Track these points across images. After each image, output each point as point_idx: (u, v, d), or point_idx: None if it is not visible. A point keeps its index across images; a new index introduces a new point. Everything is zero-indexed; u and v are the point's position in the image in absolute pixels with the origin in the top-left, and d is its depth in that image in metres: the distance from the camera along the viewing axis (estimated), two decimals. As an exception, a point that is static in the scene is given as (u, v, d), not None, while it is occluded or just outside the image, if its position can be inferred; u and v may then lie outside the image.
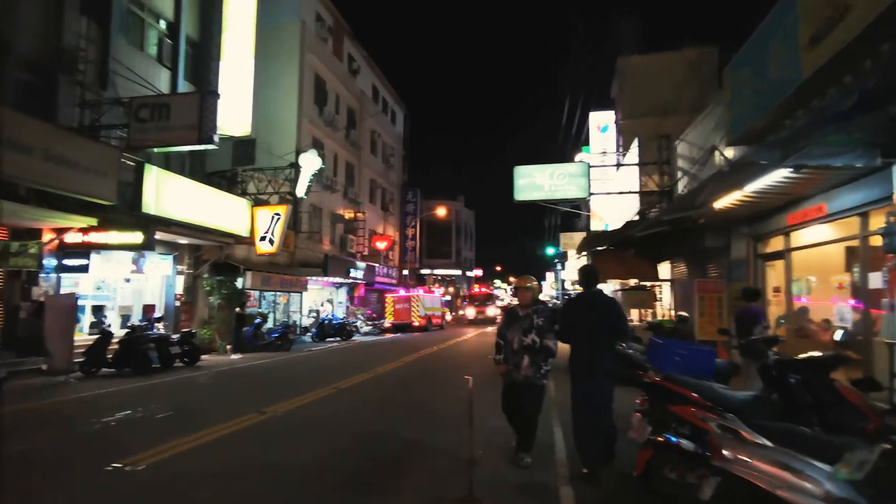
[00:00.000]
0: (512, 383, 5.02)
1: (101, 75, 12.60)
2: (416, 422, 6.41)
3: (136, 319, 14.10)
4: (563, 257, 46.67)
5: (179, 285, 15.86)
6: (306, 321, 22.51)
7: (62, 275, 12.03)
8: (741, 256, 10.45)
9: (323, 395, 8.20)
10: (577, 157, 22.43)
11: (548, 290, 66.37)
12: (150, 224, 11.64)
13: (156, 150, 11.73)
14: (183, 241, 15.12)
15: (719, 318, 10.91)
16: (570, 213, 36.91)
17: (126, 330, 11.64)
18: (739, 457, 2.96)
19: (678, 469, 3.52)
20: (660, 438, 3.63)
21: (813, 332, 8.02)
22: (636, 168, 16.46)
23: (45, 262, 11.49)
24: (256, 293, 18.48)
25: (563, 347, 4.96)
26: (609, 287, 23.68)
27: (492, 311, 37.90)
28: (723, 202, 7.38)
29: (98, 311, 13.67)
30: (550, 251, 42.42)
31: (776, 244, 9.43)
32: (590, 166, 16.29)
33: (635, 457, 3.76)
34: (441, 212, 37.63)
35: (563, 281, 54.15)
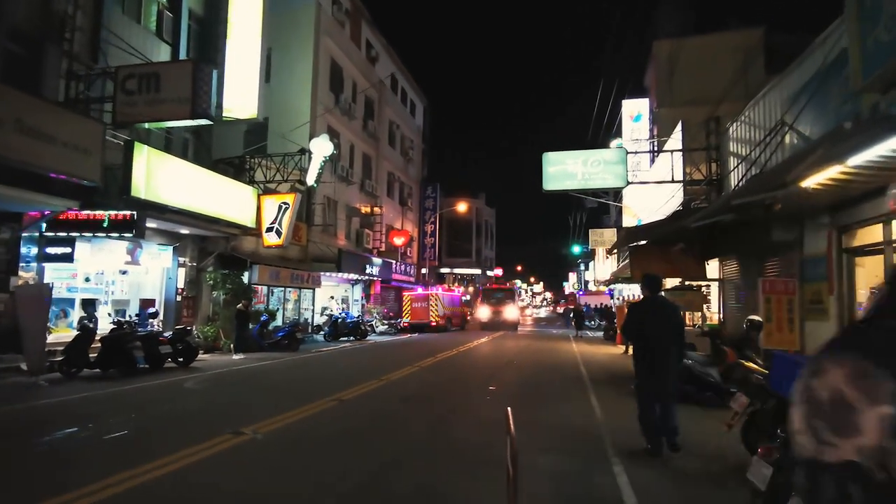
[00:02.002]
0: None
1: (91, 46, 11.53)
2: (431, 455, 4.98)
3: (131, 315, 13.06)
4: (588, 256, 44.82)
5: (182, 279, 14.78)
6: (319, 319, 21.32)
7: (45, 264, 10.99)
8: (819, 252, 8.78)
9: (321, 408, 6.87)
10: (613, 143, 20.74)
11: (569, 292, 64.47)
12: (141, 210, 10.50)
13: (147, 125, 10.63)
14: (184, 230, 14.02)
15: (790, 325, 9.29)
16: (598, 211, 35.16)
17: (113, 326, 10.48)
18: None
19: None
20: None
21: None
22: (673, 158, 14.77)
23: (25, 250, 10.48)
24: (265, 289, 17.32)
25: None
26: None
27: (512, 312, 29.04)
28: (822, 176, 5.79)
29: (89, 305, 12.60)
30: (577, 249, 40.50)
31: (870, 236, 7.74)
32: (628, 152, 14.64)
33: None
34: (462, 207, 36.04)
35: (586, 282, 52.26)
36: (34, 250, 10.79)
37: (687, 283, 13.00)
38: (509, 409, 2.89)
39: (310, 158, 16.26)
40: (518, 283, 72.85)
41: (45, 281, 11.86)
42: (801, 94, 9.53)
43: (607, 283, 29.81)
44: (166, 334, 11.02)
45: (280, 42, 21.16)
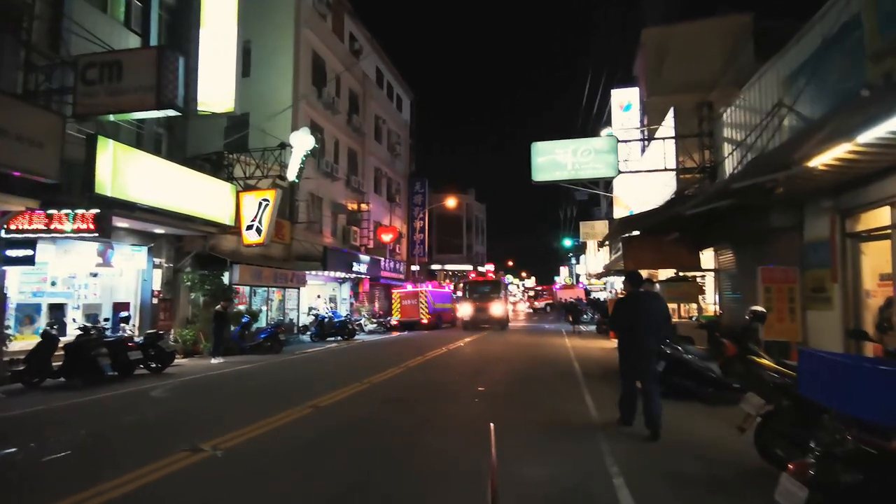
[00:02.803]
0: None
1: (52, 36, 10.85)
2: (406, 472, 4.49)
3: (101, 320, 12.43)
4: (580, 250, 44.48)
5: (158, 281, 14.14)
6: (306, 319, 20.73)
7: (9, 268, 10.33)
8: (820, 237, 8.39)
9: (293, 417, 6.35)
10: (603, 132, 20.30)
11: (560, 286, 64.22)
12: (106, 208, 9.86)
13: (112, 118, 9.94)
14: (158, 230, 13.37)
15: (791, 315, 8.91)
16: (588, 203, 34.80)
17: (79, 332, 9.86)
18: None
19: None
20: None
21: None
22: (665, 146, 14.36)
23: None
24: (247, 289, 16.71)
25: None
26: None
27: (499, 308, 24.63)
28: (833, 154, 5.35)
29: (57, 310, 11.97)
30: (568, 243, 40.10)
31: (876, 219, 7.35)
32: (619, 141, 14.20)
33: None
34: (451, 203, 35.48)
35: (577, 276, 51.94)
36: (-5, 253, 10.13)
37: (681, 273, 12.60)
38: (492, 425, 2.39)
39: (290, 153, 15.63)
40: (508, 277, 72.27)
41: (14, 285, 11.26)
42: (800, 74, 9.14)
43: (599, 276, 29.43)
44: (137, 339, 10.42)
45: (259, 35, 20.49)
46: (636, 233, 13.45)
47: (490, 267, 53.45)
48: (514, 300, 53.05)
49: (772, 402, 4.22)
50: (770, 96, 10.40)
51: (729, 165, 12.37)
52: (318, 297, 23.39)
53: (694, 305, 12.95)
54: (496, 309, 24.43)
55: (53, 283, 11.69)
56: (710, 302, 13.26)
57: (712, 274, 13.27)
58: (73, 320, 11.19)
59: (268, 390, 8.74)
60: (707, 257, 13.09)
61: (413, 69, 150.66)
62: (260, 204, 14.62)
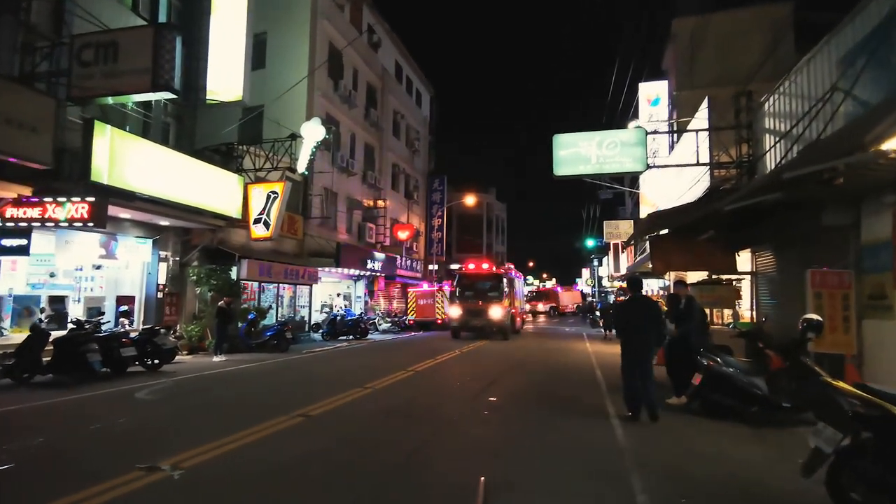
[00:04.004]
0: None
1: (54, 19, 10.46)
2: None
3: (102, 313, 12.05)
4: (602, 251, 43.13)
5: (163, 274, 13.74)
6: (319, 317, 20.23)
7: (18, 259, 9.99)
8: (881, 237, 7.39)
9: (279, 428, 5.68)
10: (631, 125, 19.27)
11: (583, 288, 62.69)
12: (103, 196, 9.39)
13: (111, 101, 9.50)
14: (164, 222, 12.95)
15: (845, 325, 7.90)
16: (613, 203, 33.60)
17: (72, 326, 9.41)
18: None
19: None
20: None
21: None
22: (698, 139, 13.33)
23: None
24: (255, 285, 16.22)
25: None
26: (658, 283, 20.30)
27: (498, 312, 18.87)
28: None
29: (57, 302, 11.62)
30: (590, 243, 38.87)
31: (953, 217, 6.36)
32: (648, 133, 13.23)
33: None
34: (470, 200, 34.61)
35: (600, 278, 50.46)
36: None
37: (715, 276, 11.60)
38: (483, 479, 1.63)
39: (302, 144, 15.08)
40: (530, 279, 70.69)
41: (22, 277, 10.97)
42: (857, 54, 8.13)
43: (623, 277, 28.26)
44: (133, 335, 9.94)
45: (275, 26, 20.09)
46: (664, 231, 12.50)
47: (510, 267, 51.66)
48: (526, 299, 50.12)
49: (848, 434, 3.36)
50: (821, 81, 9.38)
51: (771, 159, 11.32)
52: (339, 294, 22.88)
53: (730, 311, 11.92)
54: (495, 312, 18.78)
55: (52, 275, 11.31)
56: (747, 307, 12.22)
57: (748, 278, 12.22)
58: (67, 314, 10.77)
59: (261, 394, 8.11)
60: (743, 259, 12.06)
61: (433, 64, 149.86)
62: (268, 197, 14.11)
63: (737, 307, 11.52)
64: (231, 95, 13.90)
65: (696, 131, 13.30)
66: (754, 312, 11.74)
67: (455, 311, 19.48)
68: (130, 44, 8.82)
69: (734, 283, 11.16)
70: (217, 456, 4.58)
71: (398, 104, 28.96)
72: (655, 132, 14.03)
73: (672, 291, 8.68)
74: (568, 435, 5.76)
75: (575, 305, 52.81)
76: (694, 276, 13.56)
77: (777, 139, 11.00)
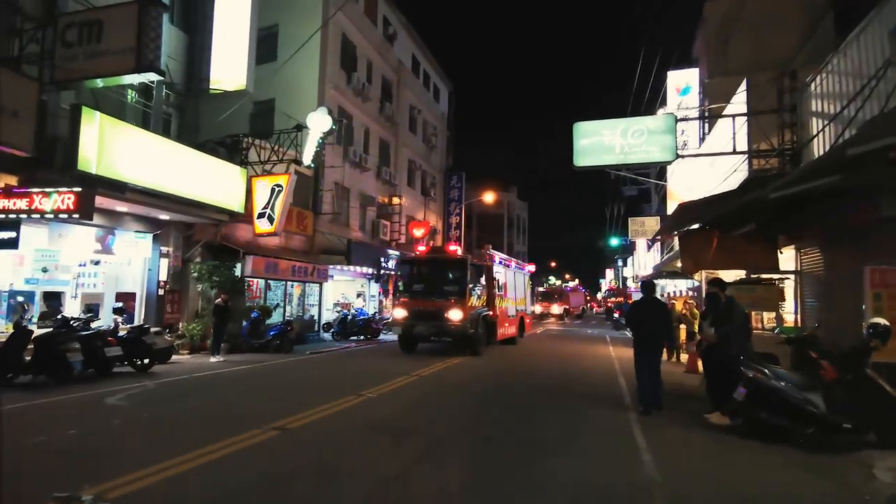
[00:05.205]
0: None
1: (47, 3, 9.99)
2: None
3: (107, 311, 11.62)
4: (627, 251, 41.63)
5: (164, 270, 13.26)
6: (331, 316, 19.61)
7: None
8: (958, 229, 6.28)
9: (248, 444, 4.94)
10: (659, 112, 18.10)
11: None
12: (89, 186, 8.85)
13: (100, 83, 8.95)
14: (164, 216, 12.46)
15: (914, 330, 6.77)
16: (638, 199, 32.18)
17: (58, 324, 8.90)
18: None
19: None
20: None
21: None
22: (735, 125, 12.19)
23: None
24: (261, 283, 15.65)
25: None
26: (678, 283, 18.78)
27: (457, 314, 13.04)
28: None
29: (53, 299, 11.20)
30: (614, 242, 37.49)
31: None
32: (678, 120, 12.16)
33: None
34: (489, 198, 33.60)
35: (624, 279, 48.87)
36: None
37: (754, 275, 10.49)
38: None
39: (307, 135, 14.45)
40: (552, 279, 69.08)
41: (27, 272, 10.60)
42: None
43: (647, 278, 26.97)
44: (121, 334, 9.39)
45: (287, 17, 19.57)
46: (695, 226, 11.43)
47: (531, 268, 49.61)
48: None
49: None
50: (873, 56, 8.26)
51: (818, 146, 10.17)
52: (359, 295, 22.25)
53: (770, 314, 10.77)
54: (454, 314, 13.01)
55: (45, 270, 10.88)
56: (790, 310, 11.04)
57: (791, 277, 11.05)
58: (61, 311, 10.29)
59: (241, 401, 7.35)
60: (786, 256, 10.89)
61: (453, 59, 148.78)
62: (273, 190, 13.50)
63: (781, 310, 10.38)
64: (234, 84, 13.36)
65: (734, 116, 12.15)
66: (799, 316, 10.57)
67: (399, 313, 13.92)
68: (115, 22, 8.26)
69: (776, 282, 10.02)
70: (157, 482, 3.84)
71: (415, 98, 28.24)
72: (685, 118, 12.89)
73: (709, 291, 7.69)
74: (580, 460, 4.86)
75: (581, 308, 50.37)
76: (727, 276, 12.42)
77: (825, 122, 9.84)
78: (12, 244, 9.26)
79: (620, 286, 48.14)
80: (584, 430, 6.03)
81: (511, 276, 18.23)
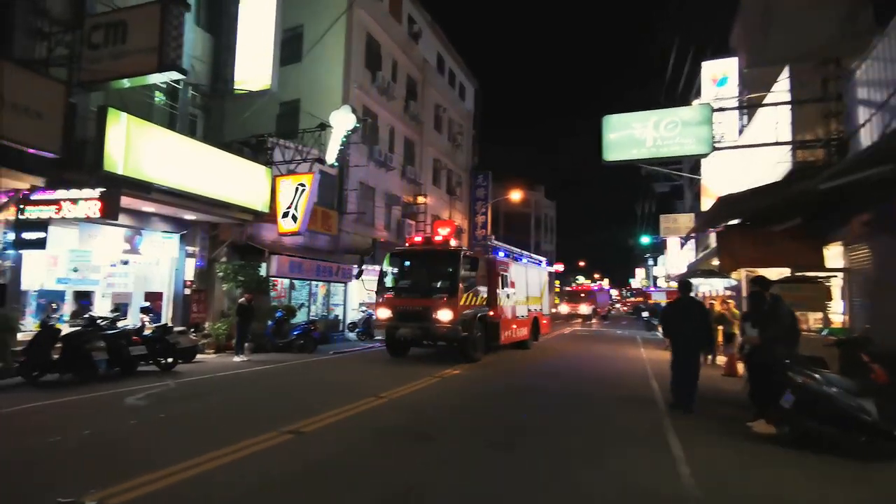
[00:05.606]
0: None
1: (74, 6, 10.15)
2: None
3: (134, 310, 11.79)
4: (658, 249, 40.43)
5: (190, 270, 13.39)
6: (356, 316, 19.57)
7: (23, 251, 9.74)
8: None
9: (260, 447, 4.79)
10: (694, 103, 17.38)
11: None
12: (115, 187, 8.93)
13: (127, 83, 8.97)
14: (190, 216, 12.57)
15: (983, 335, 6.17)
16: (670, 195, 31.14)
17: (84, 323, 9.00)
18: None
19: None
20: None
21: None
22: (778, 115, 11.48)
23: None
24: (286, 282, 15.69)
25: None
26: (711, 283, 17.81)
27: (446, 314, 11.35)
28: None
29: (83, 298, 11.40)
30: (645, 240, 36.45)
31: None
32: (714, 110, 11.56)
33: None
34: (515, 196, 33.13)
35: (655, 278, 47.51)
36: (11, 236, 9.55)
37: (799, 273, 9.86)
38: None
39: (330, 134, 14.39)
40: (580, 278, 67.96)
41: (61, 271, 10.81)
42: None
43: (683, 277, 26.01)
44: (146, 333, 9.45)
45: (312, 18, 19.61)
46: (734, 222, 10.84)
47: (559, 267, 48.63)
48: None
49: None
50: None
51: (866, 136, 9.46)
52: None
53: (816, 315, 10.09)
54: (442, 314, 11.38)
55: (75, 270, 11.08)
56: (838, 311, 10.33)
57: (839, 275, 10.33)
58: (91, 309, 10.45)
59: (259, 402, 7.23)
60: (833, 253, 10.20)
61: (478, 56, 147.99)
62: (297, 189, 13.48)
63: (828, 310, 9.71)
64: (259, 84, 13.41)
65: (776, 104, 11.48)
66: (847, 316, 9.87)
67: (383, 313, 12.34)
68: (138, 23, 8.30)
69: (823, 281, 9.38)
70: (160, 489, 3.69)
71: (440, 97, 28.04)
72: (722, 108, 12.23)
73: (752, 290, 7.19)
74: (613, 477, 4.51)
75: (607, 308, 48.68)
76: (768, 275, 11.74)
77: (873, 111, 9.15)
78: (40, 244, 9.41)
79: (652, 285, 46.75)
80: (629, 419, 5.65)
81: (521, 272, 16.15)
